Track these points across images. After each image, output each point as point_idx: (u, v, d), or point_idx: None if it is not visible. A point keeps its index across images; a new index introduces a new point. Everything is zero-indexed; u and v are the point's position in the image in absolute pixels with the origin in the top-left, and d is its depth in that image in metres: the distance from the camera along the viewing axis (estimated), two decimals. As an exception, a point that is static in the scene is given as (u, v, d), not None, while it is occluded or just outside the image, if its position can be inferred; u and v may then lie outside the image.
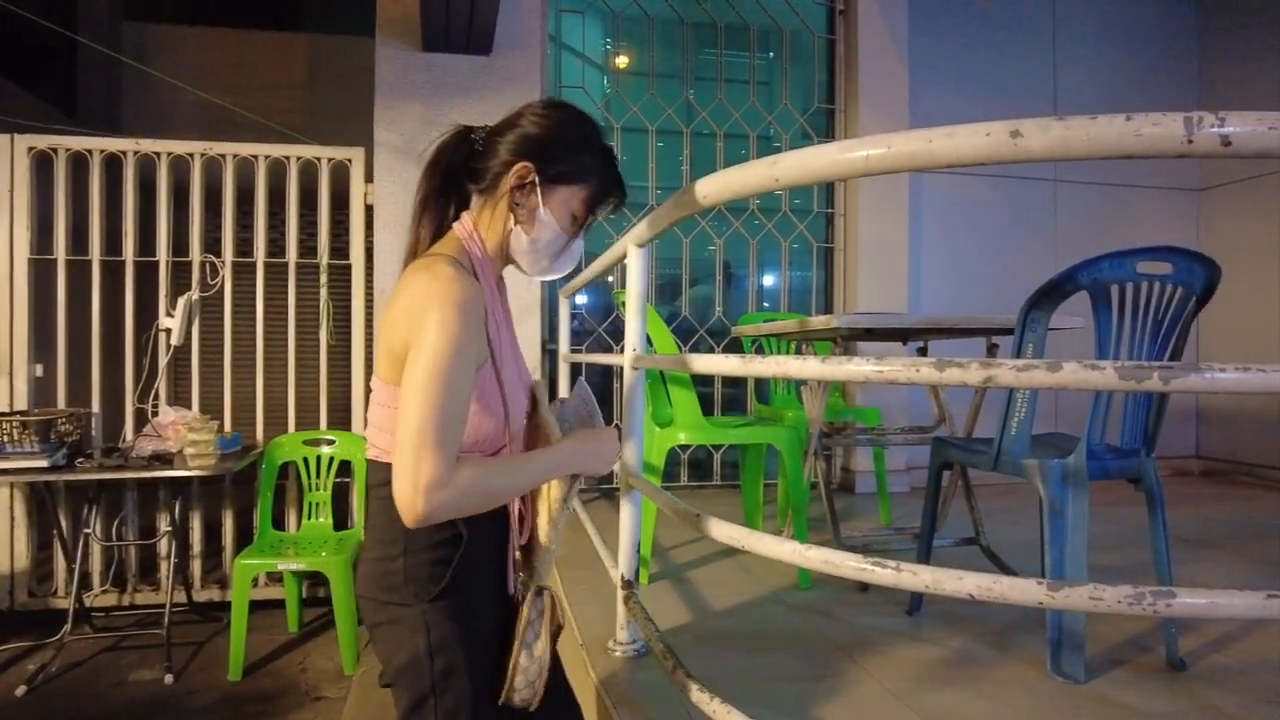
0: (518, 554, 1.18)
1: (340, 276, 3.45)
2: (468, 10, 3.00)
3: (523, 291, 3.53)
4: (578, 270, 1.78)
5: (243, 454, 3.11)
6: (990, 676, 1.84)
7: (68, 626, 2.92)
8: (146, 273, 3.32)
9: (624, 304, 1.58)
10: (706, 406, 4.27)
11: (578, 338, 4.15)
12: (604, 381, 4.29)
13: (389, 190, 3.40)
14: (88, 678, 2.79)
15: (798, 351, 3.30)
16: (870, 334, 2.63)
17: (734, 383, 4.40)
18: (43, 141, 3.20)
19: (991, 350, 2.76)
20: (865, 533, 2.96)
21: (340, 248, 3.45)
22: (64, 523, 3.16)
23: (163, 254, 3.31)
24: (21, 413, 2.96)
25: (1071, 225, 4.94)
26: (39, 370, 3.24)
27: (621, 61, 4.40)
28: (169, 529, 3.12)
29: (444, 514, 0.93)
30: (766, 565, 2.60)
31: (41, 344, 3.23)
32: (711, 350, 4.31)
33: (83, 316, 3.25)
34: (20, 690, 2.65)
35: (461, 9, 2.98)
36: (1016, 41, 4.87)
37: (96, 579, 3.26)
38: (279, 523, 3.32)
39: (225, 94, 3.96)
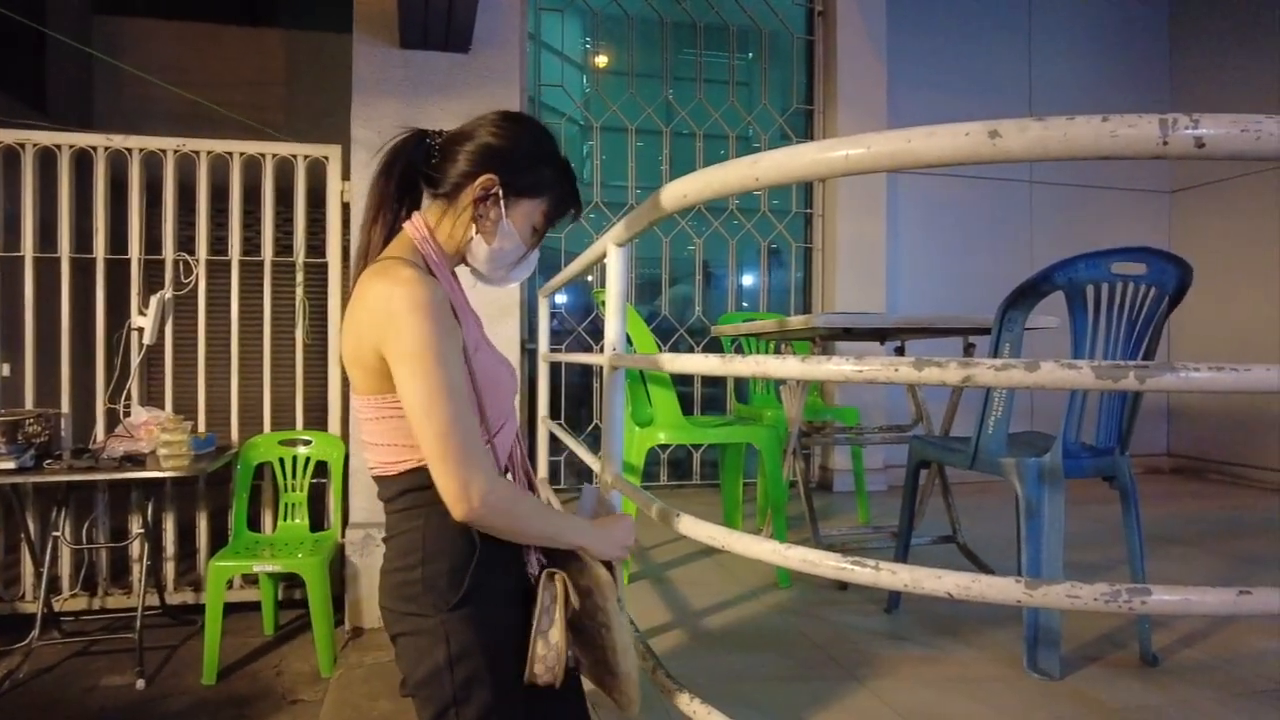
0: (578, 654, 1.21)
1: (316, 275, 3.40)
2: (446, 6, 2.97)
3: (502, 292, 3.51)
4: (557, 269, 1.77)
5: (217, 455, 3.07)
6: (967, 674, 1.86)
7: (35, 632, 2.85)
8: (118, 271, 3.26)
9: (603, 303, 1.58)
10: (686, 406, 4.27)
11: (557, 337, 4.14)
12: (583, 381, 4.28)
13: (366, 188, 3.36)
14: (57, 684, 2.73)
15: (777, 351, 3.31)
16: (848, 333, 2.65)
17: (713, 382, 4.42)
18: (9, 136, 3.12)
19: (968, 350, 2.78)
20: (844, 531, 2.98)
21: (316, 246, 3.41)
22: (32, 525, 3.09)
23: (135, 252, 3.25)
24: (-13, 413, 2.89)
25: (1046, 226, 5.01)
26: (6, 370, 3.17)
27: (601, 60, 4.39)
28: (141, 531, 3.07)
29: (501, 507, 0.98)
30: (746, 564, 2.61)
31: (8, 343, 3.16)
32: (691, 350, 4.31)
33: (51, 315, 3.18)
34: (-14, 697, 2.60)
35: (440, 5, 2.96)
36: (993, 41, 4.93)
37: (66, 583, 3.19)
38: (254, 524, 3.27)
39: (200, 90, 3.89)
